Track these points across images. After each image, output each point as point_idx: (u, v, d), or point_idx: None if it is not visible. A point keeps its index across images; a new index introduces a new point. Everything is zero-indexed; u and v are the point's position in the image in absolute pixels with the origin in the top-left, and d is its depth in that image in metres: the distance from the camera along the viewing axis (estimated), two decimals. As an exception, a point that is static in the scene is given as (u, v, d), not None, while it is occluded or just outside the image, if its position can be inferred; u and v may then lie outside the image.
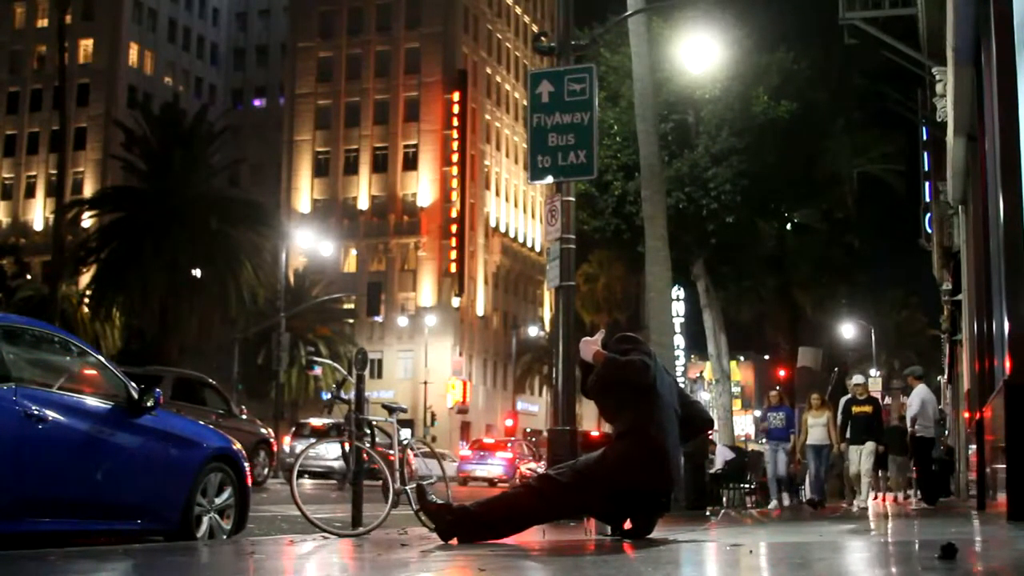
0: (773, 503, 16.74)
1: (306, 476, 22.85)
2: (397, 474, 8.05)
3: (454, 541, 6.22)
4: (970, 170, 14.19)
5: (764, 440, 17.91)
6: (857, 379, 16.94)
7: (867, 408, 16.01)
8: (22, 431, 6.02)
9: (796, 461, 18.40)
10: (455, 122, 69.97)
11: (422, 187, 70.92)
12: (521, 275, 78.80)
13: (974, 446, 14.05)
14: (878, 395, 46.36)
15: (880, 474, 26.03)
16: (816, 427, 16.38)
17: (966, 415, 18.28)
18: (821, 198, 29.07)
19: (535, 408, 74.41)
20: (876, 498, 22.66)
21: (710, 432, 15.52)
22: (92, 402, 6.75)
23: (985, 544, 6.39)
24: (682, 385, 8.09)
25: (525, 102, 15.83)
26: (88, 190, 66.47)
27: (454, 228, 69.09)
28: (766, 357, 62.50)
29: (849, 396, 16.65)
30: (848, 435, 16.11)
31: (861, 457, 15.95)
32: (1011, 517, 7.64)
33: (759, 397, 67.64)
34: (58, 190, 37.45)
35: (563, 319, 10.91)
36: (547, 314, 73.83)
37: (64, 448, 6.33)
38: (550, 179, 10.98)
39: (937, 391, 30.32)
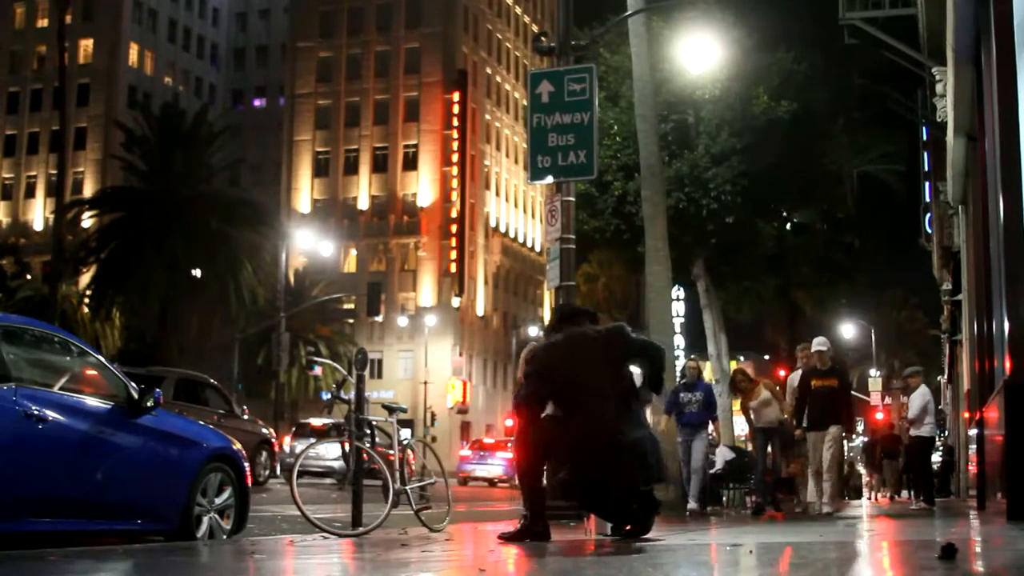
0: (691, 505, 13.04)
1: (306, 476, 22.85)
2: (397, 474, 8.05)
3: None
4: (970, 170, 14.19)
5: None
6: (818, 344, 12.75)
7: (831, 381, 12.44)
8: (22, 431, 6.01)
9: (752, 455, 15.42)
10: (455, 122, 69.97)
11: (422, 187, 70.92)
12: (521, 275, 78.79)
13: (974, 446, 14.04)
14: (878, 394, 46.44)
15: (868, 474, 25.96)
16: (765, 409, 13.37)
17: (966, 415, 18.26)
18: (821, 198, 29.06)
19: (535, 408, 74.28)
20: (870, 499, 22.69)
21: (711, 434, 14.51)
22: (92, 402, 6.74)
23: (985, 544, 6.39)
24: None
25: (525, 102, 15.82)
26: (88, 190, 66.47)
27: (454, 228, 69.08)
28: (766, 357, 62.45)
29: (806, 367, 13.05)
30: (806, 418, 12.58)
31: (823, 446, 12.38)
32: (1011, 517, 7.64)
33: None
34: (58, 190, 37.47)
35: (563, 319, 10.89)
36: (547, 314, 73.81)
37: (64, 448, 6.33)
38: (550, 179, 10.98)
39: (937, 391, 30.34)
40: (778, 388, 13.93)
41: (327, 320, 59.91)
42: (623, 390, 6.58)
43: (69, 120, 59.71)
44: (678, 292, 47.49)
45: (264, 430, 21.57)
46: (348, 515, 7.91)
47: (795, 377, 13.59)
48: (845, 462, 21.20)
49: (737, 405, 15.93)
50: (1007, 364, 8.05)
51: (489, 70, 76.20)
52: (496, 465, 33.41)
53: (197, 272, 45.09)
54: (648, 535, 6.60)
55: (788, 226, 30.37)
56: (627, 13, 15.21)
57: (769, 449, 13.73)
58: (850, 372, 18.29)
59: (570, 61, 11.28)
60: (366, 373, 8.12)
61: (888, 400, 48.66)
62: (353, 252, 71.51)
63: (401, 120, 71.95)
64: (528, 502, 6.58)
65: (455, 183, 69.49)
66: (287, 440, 26.90)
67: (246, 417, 21.46)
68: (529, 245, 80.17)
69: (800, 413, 12.66)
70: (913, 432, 15.79)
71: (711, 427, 14.03)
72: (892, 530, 9.14)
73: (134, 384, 7.07)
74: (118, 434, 6.79)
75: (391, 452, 8.32)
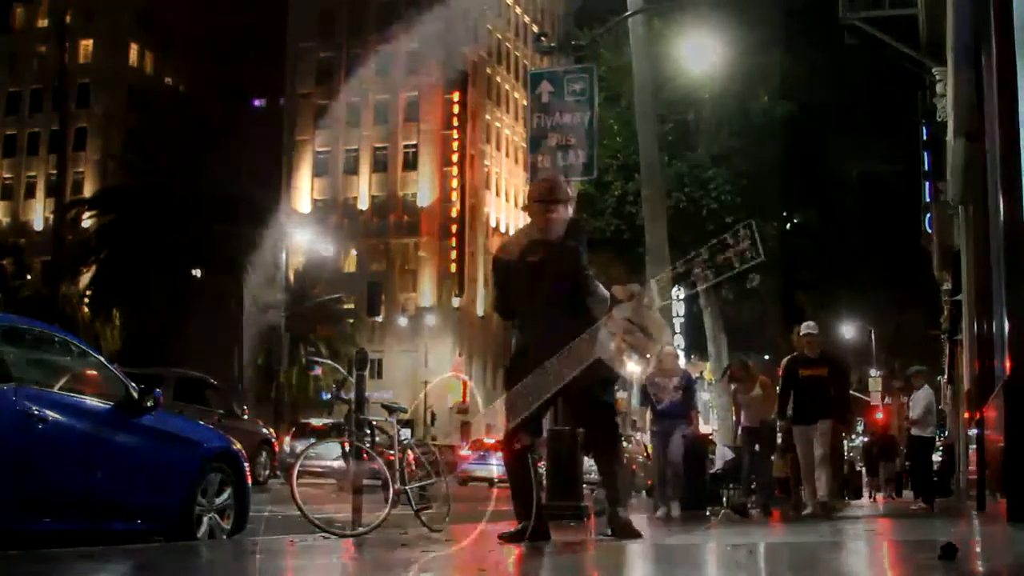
0: (663, 510, 11.43)
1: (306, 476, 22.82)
2: (397, 474, 8.06)
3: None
4: (970, 170, 14.18)
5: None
6: (806, 328, 11.78)
7: (820, 370, 11.35)
8: (22, 431, 6.01)
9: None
10: (455, 122, 69.96)
11: (422, 187, 70.91)
12: (521, 275, 78.80)
13: (974, 446, 14.03)
14: (878, 394, 46.27)
15: (867, 476, 25.93)
16: (755, 404, 12.36)
17: (966, 415, 18.23)
18: (821, 198, 29.08)
19: (535, 408, 74.24)
20: (870, 499, 22.67)
21: (710, 433, 14.41)
22: (92, 402, 6.75)
23: (985, 544, 6.39)
24: None
25: (525, 102, 15.85)
26: (88, 190, 66.43)
27: (454, 228, 69.07)
28: (766, 357, 62.38)
29: (793, 355, 11.92)
30: (792, 411, 11.49)
31: (814, 443, 11.24)
32: (1011, 518, 7.62)
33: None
34: (58, 190, 37.64)
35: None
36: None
37: (64, 448, 6.33)
38: (550, 179, 10.98)
39: (937, 391, 30.30)
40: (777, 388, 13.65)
41: (327, 320, 59.88)
42: (573, 293, 6.24)
43: (69, 120, 59.73)
44: (678, 292, 47.50)
45: (264, 430, 21.59)
46: (348, 515, 7.91)
47: (782, 364, 12.58)
48: (845, 462, 21.17)
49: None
50: (1007, 364, 8.04)
51: (489, 70, 76.18)
52: (496, 465, 33.38)
53: (197, 272, 45.13)
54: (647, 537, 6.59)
55: (788, 226, 30.36)
56: (627, 13, 15.24)
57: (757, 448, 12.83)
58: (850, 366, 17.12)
59: (570, 61, 11.32)
60: (366, 373, 8.13)
61: (888, 400, 48.58)
62: (353, 252, 71.48)
63: (401, 120, 71.95)
64: (516, 499, 6.32)
65: (455, 183, 69.49)
66: (287, 440, 26.89)
67: (246, 417, 21.48)
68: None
69: (783, 405, 11.58)
70: (915, 432, 15.64)
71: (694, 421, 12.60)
72: (892, 530, 9.14)
73: (134, 384, 7.07)
74: (118, 434, 6.79)
75: (391, 452, 8.33)
